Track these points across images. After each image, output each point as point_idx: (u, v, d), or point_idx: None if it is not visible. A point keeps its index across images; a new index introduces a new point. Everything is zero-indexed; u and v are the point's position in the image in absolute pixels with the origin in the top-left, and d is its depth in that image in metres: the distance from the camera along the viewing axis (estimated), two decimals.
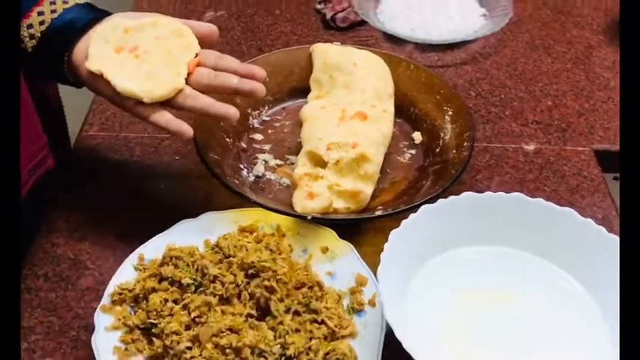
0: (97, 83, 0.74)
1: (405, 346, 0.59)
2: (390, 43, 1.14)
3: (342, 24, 1.17)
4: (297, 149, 0.91)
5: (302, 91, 0.97)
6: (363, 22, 1.17)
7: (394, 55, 1.00)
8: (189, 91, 0.74)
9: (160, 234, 0.77)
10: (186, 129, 0.73)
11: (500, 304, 0.71)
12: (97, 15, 0.78)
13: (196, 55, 0.76)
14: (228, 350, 0.65)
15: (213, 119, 0.85)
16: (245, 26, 1.19)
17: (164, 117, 0.73)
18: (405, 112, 0.96)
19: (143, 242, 0.76)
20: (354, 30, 1.17)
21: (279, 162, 0.90)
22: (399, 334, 0.60)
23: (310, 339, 0.67)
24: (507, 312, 0.71)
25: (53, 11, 0.76)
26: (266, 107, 0.97)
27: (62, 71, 0.76)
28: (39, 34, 0.75)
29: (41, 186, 0.78)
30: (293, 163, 0.89)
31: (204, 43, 0.77)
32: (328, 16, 1.17)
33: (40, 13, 0.75)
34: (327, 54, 0.96)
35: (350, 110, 0.87)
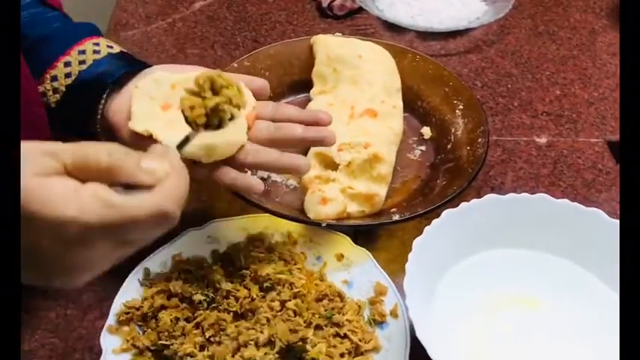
0: (144, 145, 0.63)
1: None
2: (389, 32, 1.10)
3: (339, 12, 1.12)
4: (302, 148, 0.87)
5: (303, 85, 0.93)
6: (360, 10, 1.12)
7: (399, 45, 0.96)
8: (249, 147, 0.66)
9: (165, 245, 0.73)
10: (257, 183, 0.66)
11: (527, 309, 0.69)
12: (133, 68, 0.69)
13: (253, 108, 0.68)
14: None
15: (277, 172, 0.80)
16: (237, 16, 1.13)
17: (229, 175, 0.65)
18: (411, 106, 0.92)
19: (146, 253, 0.72)
20: (352, 18, 1.13)
21: None
22: (432, 354, 0.57)
23: (341, 355, 0.63)
24: (535, 317, 0.68)
25: (82, 62, 0.67)
26: None
27: (92, 128, 0.68)
28: (63, 88, 0.67)
29: None
30: None
31: (256, 97, 0.70)
32: (324, 4, 1.12)
33: (67, 64, 0.67)
34: (329, 46, 0.92)
35: (359, 107, 0.83)
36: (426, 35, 1.09)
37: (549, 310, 0.69)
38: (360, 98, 0.85)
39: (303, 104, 0.89)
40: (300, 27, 1.11)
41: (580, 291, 0.70)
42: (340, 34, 0.98)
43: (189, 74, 0.67)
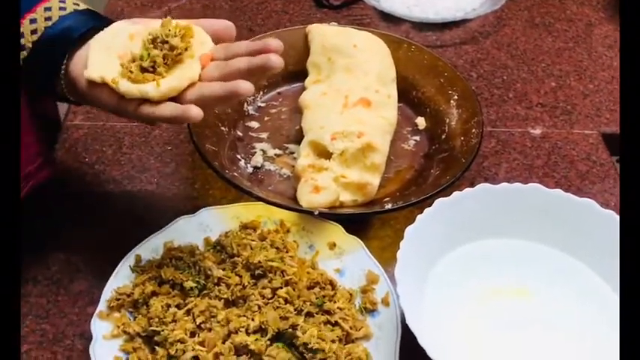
0: (98, 93, 0.64)
1: (430, 354, 0.56)
2: (385, 22, 1.10)
3: (336, 2, 1.12)
4: (295, 137, 0.87)
5: (298, 74, 0.93)
6: (357, 0, 1.12)
7: (394, 35, 0.96)
8: (199, 84, 0.64)
9: (157, 232, 0.72)
10: (195, 109, 0.61)
11: (519, 299, 0.69)
12: (98, 23, 0.68)
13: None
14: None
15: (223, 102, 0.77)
16: (233, 5, 1.13)
17: (168, 107, 0.63)
18: (406, 96, 0.91)
19: (138, 241, 0.72)
20: (348, 8, 1.12)
21: (277, 151, 0.85)
22: (422, 342, 0.57)
23: (333, 341, 0.63)
24: (527, 307, 0.68)
25: (48, 19, 0.66)
26: (261, 92, 0.92)
27: (58, 86, 0.67)
28: (30, 45, 0.66)
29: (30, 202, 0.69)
30: (293, 153, 0.85)
31: (220, 40, 0.68)
32: None
33: (33, 21, 0.66)
34: (325, 35, 0.92)
35: (353, 96, 0.83)
36: (422, 26, 1.09)
37: (541, 300, 0.69)
38: (354, 87, 0.85)
39: (298, 93, 0.89)
40: (296, 16, 1.11)
41: (572, 282, 0.70)
42: (336, 24, 0.98)
43: (147, 25, 0.67)
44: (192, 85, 0.64)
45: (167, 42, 0.64)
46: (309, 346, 0.61)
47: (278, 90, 0.94)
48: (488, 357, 0.64)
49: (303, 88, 0.90)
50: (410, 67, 0.92)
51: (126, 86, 0.63)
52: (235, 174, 0.79)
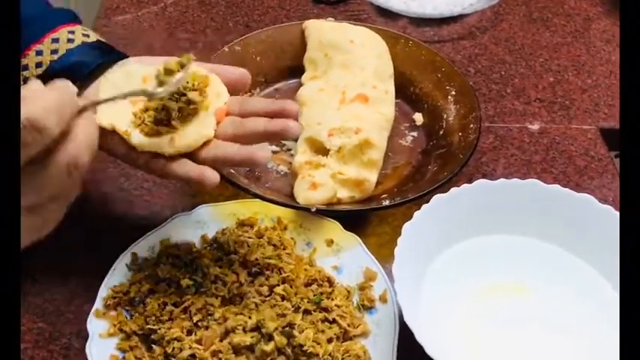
0: (107, 139, 0.62)
1: (428, 351, 0.56)
2: (383, 18, 1.09)
3: None
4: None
5: (295, 70, 0.92)
6: None
7: (392, 31, 0.95)
8: (214, 143, 0.62)
9: (153, 230, 0.72)
10: (211, 174, 0.60)
11: (517, 295, 0.69)
12: (107, 58, 0.66)
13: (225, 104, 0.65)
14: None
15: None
16: (230, 0, 1.12)
17: (185, 167, 0.60)
18: (403, 91, 0.91)
19: (134, 238, 0.71)
20: (345, 4, 1.12)
21: (274, 148, 0.85)
22: (420, 339, 0.56)
23: (329, 340, 0.63)
24: (525, 304, 0.68)
25: (54, 52, 0.64)
26: (258, 89, 0.92)
27: None
28: (34, 78, 0.63)
29: None
30: (290, 149, 0.85)
31: (234, 89, 0.66)
32: None
33: (39, 53, 0.64)
34: (322, 31, 0.91)
35: (350, 92, 0.83)
36: (420, 21, 1.08)
37: (539, 297, 0.68)
38: (351, 83, 0.84)
39: (295, 89, 0.89)
40: (293, 12, 1.10)
41: (571, 278, 0.69)
42: (333, 20, 0.97)
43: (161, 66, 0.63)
44: (207, 142, 0.62)
45: (184, 94, 0.61)
46: (304, 348, 0.61)
47: (275, 86, 0.93)
48: (486, 354, 0.64)
49: (300, 85, 0.89)
50: (407, 62, 0.92)
51: (139, 139, 0.61)
52: (232, 171, 0.78)
